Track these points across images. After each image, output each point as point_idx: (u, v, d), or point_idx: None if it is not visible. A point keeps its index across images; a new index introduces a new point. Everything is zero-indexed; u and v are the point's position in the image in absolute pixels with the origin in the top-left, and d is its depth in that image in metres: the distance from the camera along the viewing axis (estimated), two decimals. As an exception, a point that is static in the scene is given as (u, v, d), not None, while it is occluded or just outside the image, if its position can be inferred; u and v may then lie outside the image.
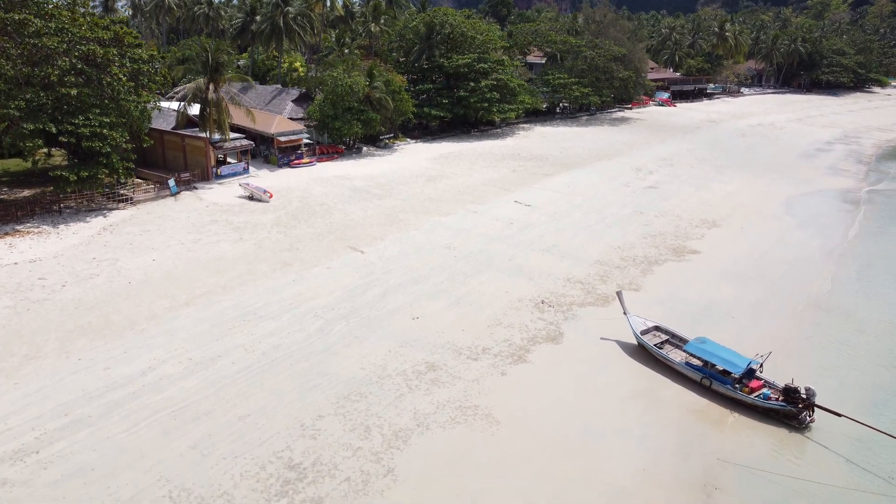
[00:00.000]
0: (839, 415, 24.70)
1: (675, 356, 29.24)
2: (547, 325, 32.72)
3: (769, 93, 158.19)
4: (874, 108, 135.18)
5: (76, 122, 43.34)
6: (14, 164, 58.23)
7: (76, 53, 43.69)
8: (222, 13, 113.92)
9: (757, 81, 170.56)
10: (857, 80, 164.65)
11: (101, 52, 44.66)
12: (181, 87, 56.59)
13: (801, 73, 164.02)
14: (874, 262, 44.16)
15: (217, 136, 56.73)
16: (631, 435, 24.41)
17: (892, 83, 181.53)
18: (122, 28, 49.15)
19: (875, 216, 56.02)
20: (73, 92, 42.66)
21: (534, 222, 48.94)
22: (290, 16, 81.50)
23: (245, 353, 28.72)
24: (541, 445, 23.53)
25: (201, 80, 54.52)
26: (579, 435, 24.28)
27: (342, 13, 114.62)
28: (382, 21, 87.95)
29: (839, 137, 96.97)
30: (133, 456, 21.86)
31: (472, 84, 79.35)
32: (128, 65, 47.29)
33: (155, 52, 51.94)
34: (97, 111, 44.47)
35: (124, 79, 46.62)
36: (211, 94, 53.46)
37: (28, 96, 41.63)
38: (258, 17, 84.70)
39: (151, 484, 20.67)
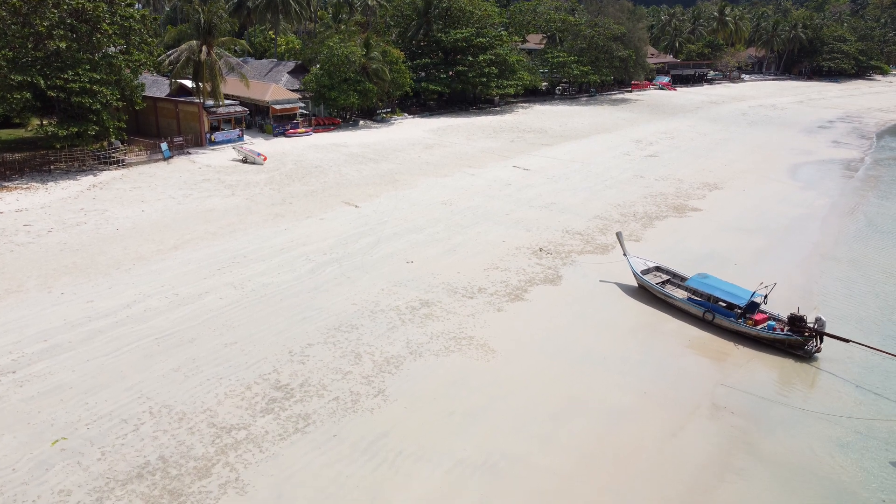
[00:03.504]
0: (847, 340, 23.86)
1: (677, 293, 28.39)
2: (545, 269, 31.85)
3: (770, 79, 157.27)
4: (875, 93, 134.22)
5: (66, 76, 42.43)
6: (6, 133, 57.37)
7: (65, 7, 42.87)
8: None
9: (757, 68, 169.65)
10: (858, 68, 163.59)
11: (91, 6, 43.80)
12: (174, 50, 55.64)
13: (801, 59, 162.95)
14: (879, 220, 43.32)
15: (210, 102, 55.93)
16: (631, 362, 23.55)
17: (894, 71, 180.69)
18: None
19: (880, 180, 55.19)
20: (63, 45, 41.86)
21: (532, 183, 48.08)
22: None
23: (233, 289, 27.87)
24: (538, 371, 22.68)
25: (194, 43, 53.60)
26: (578, 362, 23.41)
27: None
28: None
29: (841, 117, 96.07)
30: (113, 376, 21.01)
31: (470, 59, 78.44)
32: (119, 22, 46.41)
33: (147, 13, 50.98)
34: (87, 67, 43.62)
35: (115, 36, 45.86)
36: (204, 57, 52.54)
37: (16, 46, 40.81)
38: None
39: (131, 401, 19.82)
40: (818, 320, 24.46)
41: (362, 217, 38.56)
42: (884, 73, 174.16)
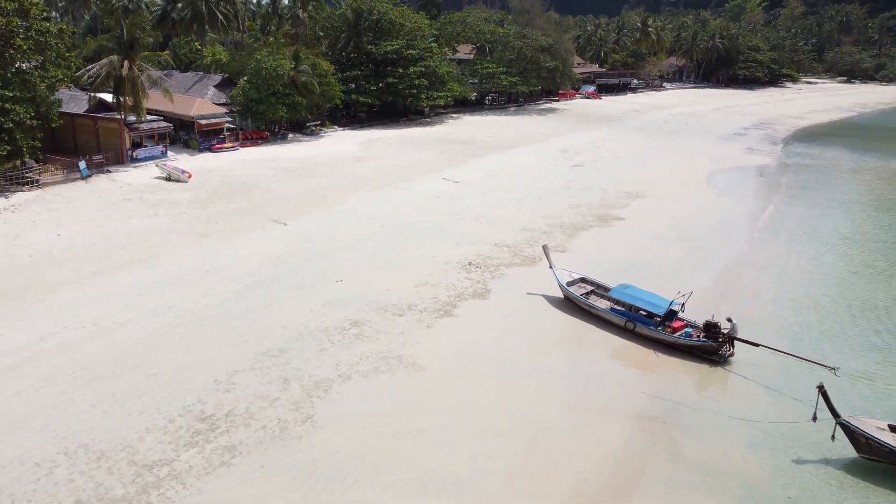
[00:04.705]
0: (757, 345, 25.06)
1: (600, 304, 29.24)
2: (474, 283, 32.26)
3: (690, 87, 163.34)
4: (787, 100, 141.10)
5: (-27, 94, 40.57)
6: None
7: (-28, 22, 41.00)
8: (142, 5, 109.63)
9: (678, 77, 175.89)
10: (771, 76, 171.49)
11: (4, 21, 41.95)
12: (94, 65, 53.78)
13: (719, 68, 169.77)
14: (789, 224, 45.49)
15: (132, 118, 54.33)
16: (558, 374, 24.15)
17: (803, 79, 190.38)
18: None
19: (788, 185, 58.04)
20: (-31, 62, 39.99)
21: (462, 195, 48.61)
22: (212, 2, 78.89)
23: (156, 317, 27.15)
24: (467, 387, 22.97)
25: (115, 58, 51.96)
26: (506, 377, 23.83)
27: (269, 9, 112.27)
28: (310, 8, 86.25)
29: (755, 124, 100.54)
30: (25, 417, 20.10)
31: (400, 70, 78.70)
32: (34, 37, 44.59)
33: (64, 27, 49.06)
34: (-2, 84, 41.81)
35: (29, 52, 44.06)
36: (125, 72, 50.98)
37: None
38: (179, 4, 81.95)
39: (44, 443, 19.01)
40: (731, 325, 25.66)
41: (291, 235, 38.18)
42: (794, 80, 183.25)
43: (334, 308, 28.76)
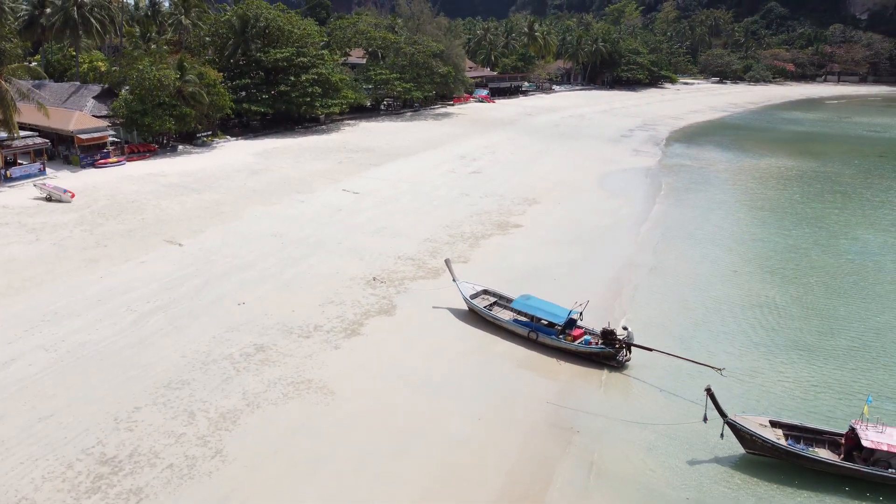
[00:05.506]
0: (650, 349, 26.69)
1: (504, 315, 30.20)
2: (379, 299, 32.46)
3: (577, 89, 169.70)
4: (667, 101, 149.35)
5: None
6: None
7: None
8: (6, 7, 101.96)
9: (566, 79, 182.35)
10: (651, 78, 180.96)
11: None
12: (-46, 79, 49.85)
13: (603, 70, 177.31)
14: (672, 224, 48.48)
15: (3, 135, 50.78)
16: (466, 388, 24.80)
17: (681, 80, 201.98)
18: None
19: (671, 187, 61.63)
20: None
21: (363, 207, 48.61)
22: (85, 7, 74.66)
23: (45, 352, 25.69)
24: (377, 408, 23.22)
25: (-22, 71, 48.43)
26: (415, 393, 24.27)
27: (147, 12, 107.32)
28: (193, 14, 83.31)
29: (640, 125, 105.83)
30: None
31: (292, 78, 77.47)
32: None
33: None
34: None
35: None
36: (-8, 86, 47.62)
37: None
38: (48, 10, 76.97)
39: (-73, 501, 17.77)
40: (627, 333, 27.18)
41: (187, 256, 36.98)
42: (673, 81, 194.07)
43: (238, 332, 28.21)
